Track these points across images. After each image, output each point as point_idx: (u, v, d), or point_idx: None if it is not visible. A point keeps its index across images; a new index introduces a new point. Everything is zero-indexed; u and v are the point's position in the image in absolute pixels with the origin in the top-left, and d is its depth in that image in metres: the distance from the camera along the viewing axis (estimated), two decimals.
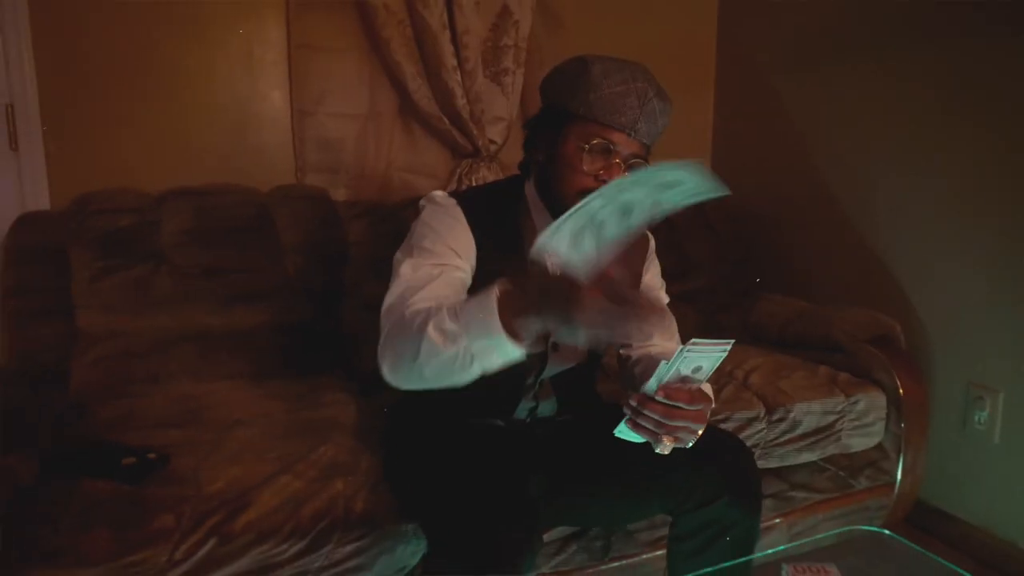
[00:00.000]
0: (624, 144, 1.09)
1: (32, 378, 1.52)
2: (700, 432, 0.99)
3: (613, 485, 1.21)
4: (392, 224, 1.89)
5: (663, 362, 0.91)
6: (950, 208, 1.87)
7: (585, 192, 1.07)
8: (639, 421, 0.95)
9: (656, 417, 0.94)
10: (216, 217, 1.76)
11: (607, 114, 1.08)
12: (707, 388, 1.05)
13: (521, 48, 2.09)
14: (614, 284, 0.82)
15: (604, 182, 1.07)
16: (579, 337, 0.83)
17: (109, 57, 1.79)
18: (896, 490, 1.75)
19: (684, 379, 0.93)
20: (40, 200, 1.76)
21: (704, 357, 0.90)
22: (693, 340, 0.87)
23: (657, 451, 0.96)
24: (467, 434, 1.19)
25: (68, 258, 1.62)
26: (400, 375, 1.00)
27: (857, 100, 2.09)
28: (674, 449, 0.98)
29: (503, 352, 0.89)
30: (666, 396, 0.93)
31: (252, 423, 1.42)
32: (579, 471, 1.22)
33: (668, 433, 0.95)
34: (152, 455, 1.22)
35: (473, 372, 0.92)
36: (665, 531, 1.37)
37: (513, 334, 0.87)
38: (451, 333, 0.90)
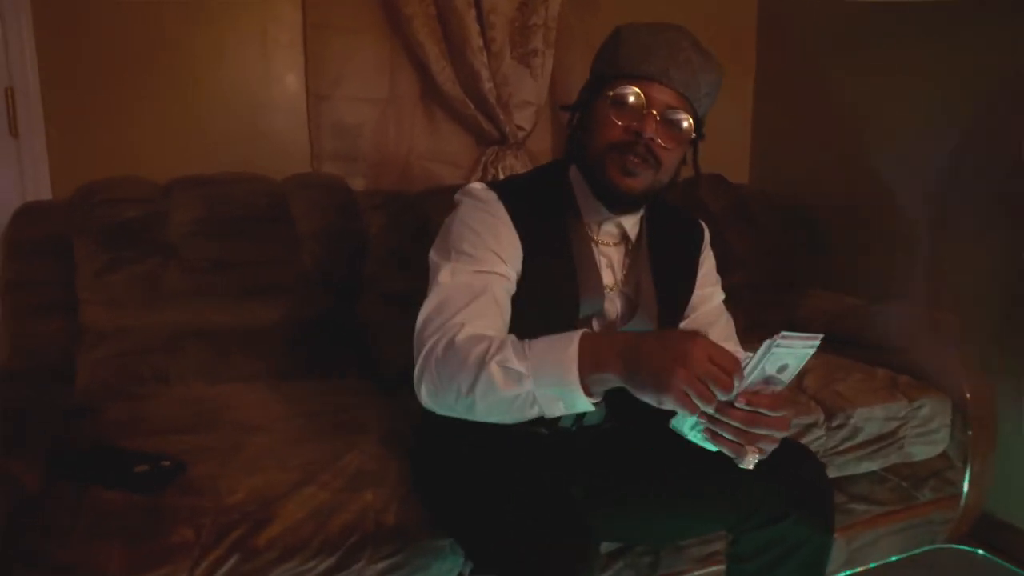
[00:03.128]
0: (658, 94, 1.04)
1: (35, 377, 1.48)
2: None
3: (666, 498, 1.16)
4: (413, 215, 1.85)
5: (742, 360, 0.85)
6: (1014, 197, 1.80)
7: (616, 145, 1.05)
8: (717, 430, 0.89)
9: (738, 426, 0.88)
10: (228, 207, 1.72)
11: (635, 64, 1.05)
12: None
13: (551, 28, 2.04)
14: (719, 368, 0.81)
15: (638, 135, 1.03)
16: (659, 403, 0.83)
17: (115, 38, 1.76)
18: (962, 502, 1.70)
19: (767, 380, 0.87)
20: (42, 189, 1.72)
21: (791, 354, 0.83)
22: (783, 333, 0.81)
23: (741, 466, 0.90)
24: (506, 442, 1.14)
25: (72, 250, 1.58)
26: (443, 403, 0.96)
27: (909, 82, 2.03)
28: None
29: (570, 403, 0.86)
30: (747, 402, 0.87)
31: (270, 428, 1.38)
32: (628, 482, 1.17)
33: (750, 442, 0.89)
34: (166, 462, 1.18)
35: (530, 415, 0.89)
36: (719, 545, 1.32)
37: (586, 388, 0.85)
38: (516, 374, 0.87)
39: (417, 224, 1.79)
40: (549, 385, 0.86)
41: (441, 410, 0.98)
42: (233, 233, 1.71)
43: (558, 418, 1.18)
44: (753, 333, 2.00)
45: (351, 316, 1.76)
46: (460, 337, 0.94)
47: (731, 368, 0.81)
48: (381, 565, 1.13)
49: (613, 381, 0.85)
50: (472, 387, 0.89)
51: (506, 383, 0.87)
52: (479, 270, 1.04)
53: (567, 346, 0.86)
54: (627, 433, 1.23)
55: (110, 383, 1.52)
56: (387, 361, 1.66)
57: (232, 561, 1.04)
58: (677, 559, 1.39)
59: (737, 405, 0.87)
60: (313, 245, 1.77)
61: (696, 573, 1.41)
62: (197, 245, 1.67)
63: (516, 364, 0.87)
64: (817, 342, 0.83)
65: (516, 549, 0.93)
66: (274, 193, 1.79)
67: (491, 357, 0.88)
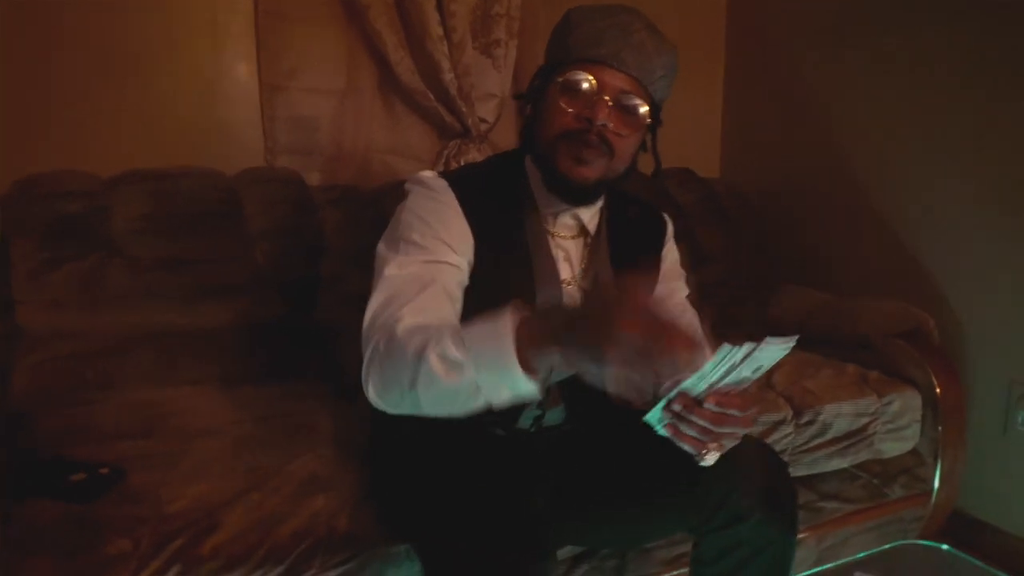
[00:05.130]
0: (610, 79, 1.03)
1: None
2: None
3: (627, 501, 1.15)
4: (373, 210, 1.83)
5: (710, 362, 0.84)
6: (988, 191, 1.83)
7: (568, 134, 1.04)
8: (682, 428, 0.89)
9: (705, 425, 0.87)
10: (176, 202, 1.68)
11: (586, 48, 1.04)
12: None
13: (514, 17, 2.03)
14: (653, 317, 0.76)
15: (590, 122, 1.02)
16: (604, 378, 0.77)
17: (56, 25, 1.71)
18: (933, 499, 1.72)
19: (739, 381, 0.87)
20: None
21: (768, 356, 0.84)
22: (767, 339, 0.81)
23: (701, 464, 0.90)
24: (463, 444, 1.13)
25: (7, 248, 1.54)
26: (390, 401, 0.94)
27: (883, 74, 2.05)
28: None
29: (514, 387, 0.83)
30: (717, 402, 0.87)
31: (219, 433, 1.35)
32: (589, 485, 1.17)
33: (714, 440, 0.89)
34: (104, 470, 1.15)
35: (477, 405, 0.87)
36: (686, 548, 1.32)
37: (527, 368, 0.81)
38: (455, 363, 0.84)
39: (377, 220, 1.77)
40: (488, 369, 0.83)
41: (390, 408, 0.95)
42: (182, 230, 1.67)
43: (515, 418, 1.19)
44: (726, 331, 2.03)
45: (308, 317, 1.74)
46: (400, 330, 0.92)
47: (661, 332, 0.74)
48: (333, 573, 1.11)
49: (553, 355, 0.81)
50: (414, 381, 0.87)
51: (447, 374, 0.85)
52: (428, 260, 1.02)
53: (501, 325, 0.82)
54: (588, 435, 1.22)
55: (49, 388, 1.48)
56: (347, 364, 1.64)
57: (173, 571, 1.02)
58: (643, 562, 1.39)
59: (706, 406, 0.87)
60: (267, 243, 1.74)
61: None
62: (143, 242, 1.63)
63: (454, 352, 0.84)
64: (792, 343, 0.83)
65: (467, 556, 0.92)
66: (226, 188, 1.75)
67: (430, 349, 0.86)
